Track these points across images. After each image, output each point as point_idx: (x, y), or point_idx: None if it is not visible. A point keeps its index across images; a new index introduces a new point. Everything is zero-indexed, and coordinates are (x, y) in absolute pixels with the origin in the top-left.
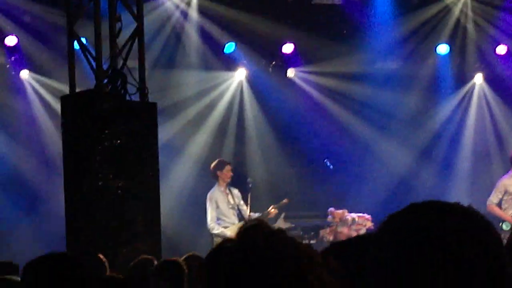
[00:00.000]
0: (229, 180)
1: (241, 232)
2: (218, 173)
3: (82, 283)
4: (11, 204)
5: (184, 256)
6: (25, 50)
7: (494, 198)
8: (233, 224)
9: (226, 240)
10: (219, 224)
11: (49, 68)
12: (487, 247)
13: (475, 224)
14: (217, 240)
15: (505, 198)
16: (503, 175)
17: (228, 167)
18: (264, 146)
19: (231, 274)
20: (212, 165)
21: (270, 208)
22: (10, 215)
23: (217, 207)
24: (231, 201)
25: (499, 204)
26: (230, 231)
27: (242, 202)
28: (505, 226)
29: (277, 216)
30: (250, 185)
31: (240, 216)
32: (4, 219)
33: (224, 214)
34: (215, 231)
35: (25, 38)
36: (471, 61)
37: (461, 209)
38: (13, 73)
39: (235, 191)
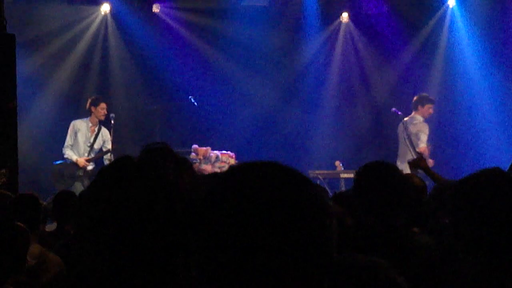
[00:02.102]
0: (102, 118)
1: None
2: (92, 108)
3: None
4: None
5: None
6: None
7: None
8: (80, 155)
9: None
10: (72, 148)
11: None
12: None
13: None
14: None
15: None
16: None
17: (103, 105)
18: (128, 81)
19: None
20: (89, 100)
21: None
22: None
23: (75, 137)
24: (90, 138)
25: None
26: (75, 157)
27: (108, 141)
28: None
29: (136, 152)
30: (112, 120)
31: (95, 152)
32: None
33: (78, 146)
34: (65, 155)
35: None
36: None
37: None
38: None
39: (105, 132)
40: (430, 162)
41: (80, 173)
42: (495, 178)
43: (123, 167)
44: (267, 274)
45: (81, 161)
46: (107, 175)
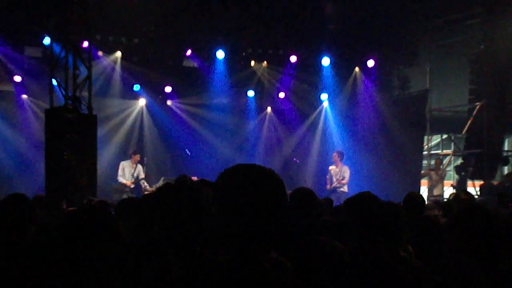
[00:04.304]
0: (136, 161)
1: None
2: (132, 156)
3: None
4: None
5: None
6: (26, 83)
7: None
8: (127, 180)
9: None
10: (122, 177)
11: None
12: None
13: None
14: (115, 186)
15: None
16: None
17: (137, 156)
18: (154, 142)
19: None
20: (131, 151)
21: None
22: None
23: (123, 170)
24: (132, 171)
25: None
26: (125, 181)
27: (141, 173)
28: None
29: (159, 178)
30: (145, 162)
31: (134, 179)
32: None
33: (126, 174)
34: (119, 180)
35: (26, 76)
36: (265, 100)
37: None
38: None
39: (139, 167)
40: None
41: (127, 189)
42: (368, 197)
43: (178, 185)
44: (261, 233)
45: (128, 183)
46: (170, 189)
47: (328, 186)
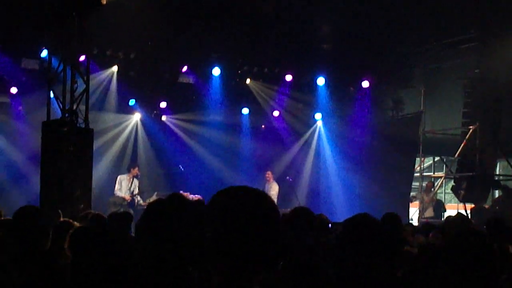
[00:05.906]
0: (134, 175)
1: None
2: (131, 169)
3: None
4: None
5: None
6: (23, 96)
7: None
8: (124, 194)
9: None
10: (119, 190)
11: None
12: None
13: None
14: (112, 199)
15: None
16: None
17: (136, 169)
18: (148, 157)
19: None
20: (129, 164)
21: None
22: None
23: (121, 183)
24: (129, 185)
25: None
26: (123, 194)
27: (136, 187)
28: None
29: (151, 194)
30: (139, 176)
31: (131, 193)
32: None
33: (123, 188)
34: (117, 193)
35: (23, 89)
36: (259, 117)
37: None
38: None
39: (136, 181)
40: None
41: (125, 203)
42: (366, 219)
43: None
44: (251, 257)
45: (127, 196)
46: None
47: None
